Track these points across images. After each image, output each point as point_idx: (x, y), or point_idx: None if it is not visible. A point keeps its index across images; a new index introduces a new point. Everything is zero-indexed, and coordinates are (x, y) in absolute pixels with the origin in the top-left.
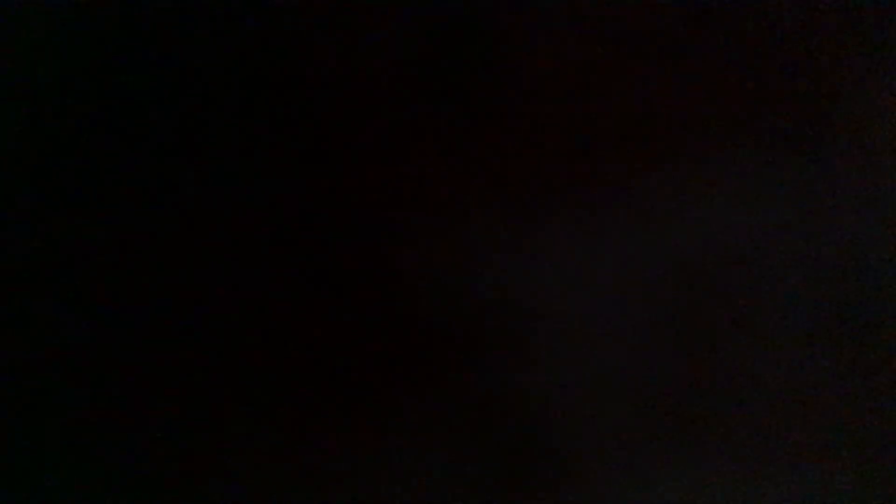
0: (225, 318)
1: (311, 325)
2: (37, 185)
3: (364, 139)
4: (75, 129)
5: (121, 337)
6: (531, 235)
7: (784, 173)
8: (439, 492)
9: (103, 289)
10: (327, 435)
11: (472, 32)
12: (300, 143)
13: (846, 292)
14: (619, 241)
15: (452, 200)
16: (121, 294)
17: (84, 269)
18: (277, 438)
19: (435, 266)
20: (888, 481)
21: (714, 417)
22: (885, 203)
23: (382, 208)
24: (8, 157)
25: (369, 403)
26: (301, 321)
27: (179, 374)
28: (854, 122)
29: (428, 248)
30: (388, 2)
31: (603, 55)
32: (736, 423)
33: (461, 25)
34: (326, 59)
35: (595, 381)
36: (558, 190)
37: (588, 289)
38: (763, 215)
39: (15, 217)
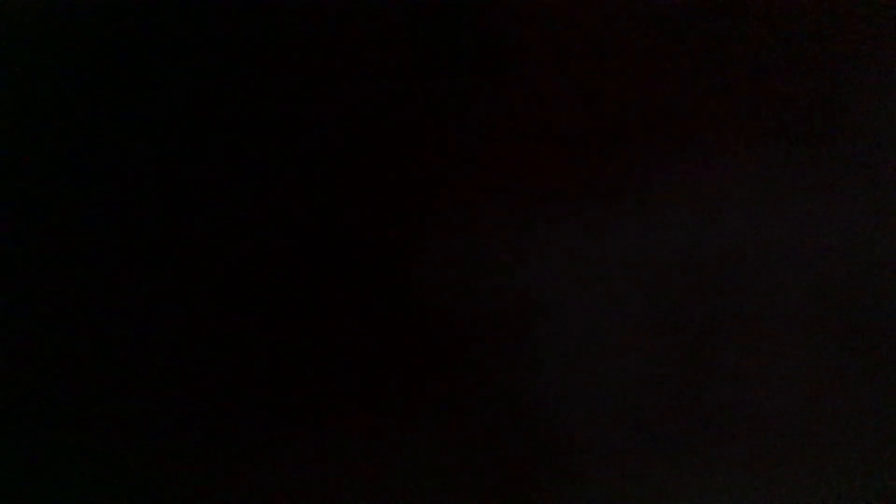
0: (228, 316)
1: (317, 327)
2: (37, 185)
3: (368, 139)
4: (75, 129)
5: (128, 339)
6: (537, 236)
7: (790, 173)
8: (445, 492)
9: (109, 290)
10: (330, 436)
11: (479, 30)
12: (305, 144)
13: (852, 293)
14: (624, 242)
15: (458, 200)
16: (129, 298)
17: (86, 269)
18: (283, 440)
19: (440, 266)
20: (890, 482)
21: (719, 419)
22: (891, 202)
23: (387, 209)
24: (8, 157)
25: (372, 404)
26: (307, 325)
27: (184, 376)
28: (859, 120)
29: (433, 249)
30: (390, 1)
31: (611, 52)
32: (742, 426)
33: (467, 24)
34: (330, 59)
35: (601, 382)
36: (565, 190)
37: (594, 289)
38: (770, 216)
39: (15, 217)
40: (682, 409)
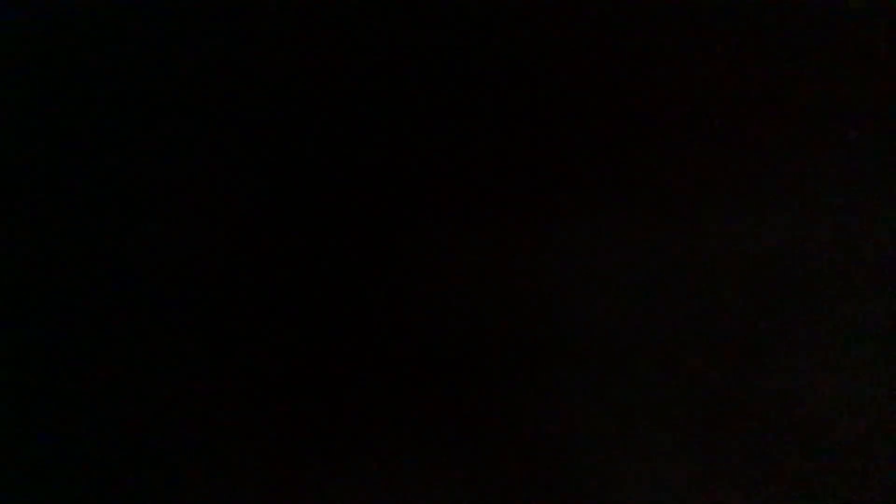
0: (237, 337)
1: (320, 339)
2: (37, 185)
3: (374, 143)
4: (76, 128)
5: (123, 341)
6: (553, 245)
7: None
8: None
9: (109, 290)
10: (338, 459)
11: (485, 31)
12: (309, 148)
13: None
14: (647, 250)
15: (470, 208)
16: (127, 298)
17: (85, 269)
18: (294, 459)
19: (449, 280)
20: None
21: (756, 441)
22: None
23: (395, 218)
24: (8, 157)
25: (381, 423)
26: (308, 339)
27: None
28: None
29: (443, 262)
30: (392, 2)
31: (626, 50)
32: (782, 453)
33: (472, 25)
34: (330, 60)
35: (625, 400)
36: (579, 191)
37: (614, 298)
38: (817, 228)
39: (15, 217)
40: (721, 430)
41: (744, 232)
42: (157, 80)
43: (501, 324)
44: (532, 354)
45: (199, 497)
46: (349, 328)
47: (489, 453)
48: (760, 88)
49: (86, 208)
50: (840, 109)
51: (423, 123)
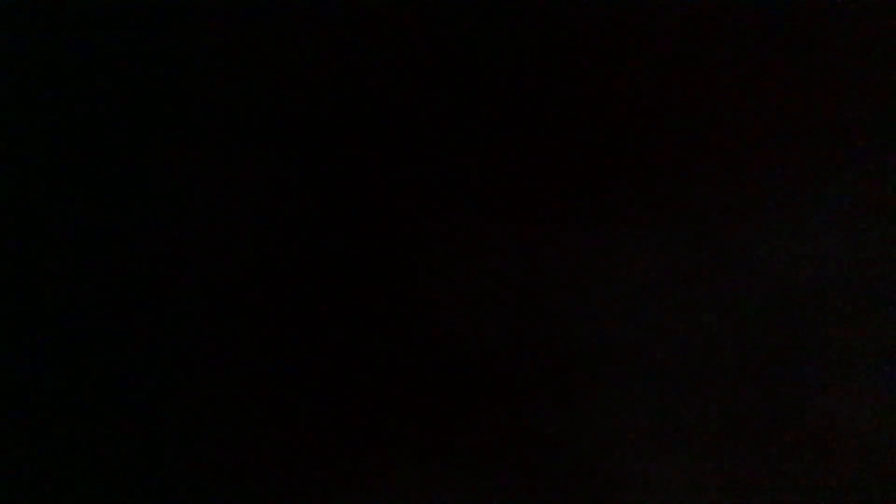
0: (254, 360)
1: (345, 360)
2: (37, 185)
3: (385, 152)
4: (76, 128)
5: (129, 342)
6: (573, 257)
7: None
8: None
9: (111, 291)
10: (359, 474)
11: (491, 31)
12: (319, 154)
13: None
14: (671, 262)
15: (491, 215)
16: (130, 299)
17: (85, 269)
18: (317, 475)
19: (471, 289)
20: None
21: (786, 462)
22: None
23: (414, 228)
24: (8, 157)
25: (408, 438)
26: (336, 361)
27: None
28: None
29: (465, 272)
30: (399, 2)
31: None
32: (807, 463)
33: (478, 24)
34: (335, 61)
35: (646, 413)
36: (603, 198)
37: (639, 313)
38: (848, 245)
39: (15, 217)
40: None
41: (767, 245)
42: (158, 80)
43: (524, 336)
44: (551, 366)
45: (199, 497)
46: (370, 338)
47: (512, 464)
48: (778, 100)
49: (86, 208)
50: (852, 118)
51: (450, 131)
